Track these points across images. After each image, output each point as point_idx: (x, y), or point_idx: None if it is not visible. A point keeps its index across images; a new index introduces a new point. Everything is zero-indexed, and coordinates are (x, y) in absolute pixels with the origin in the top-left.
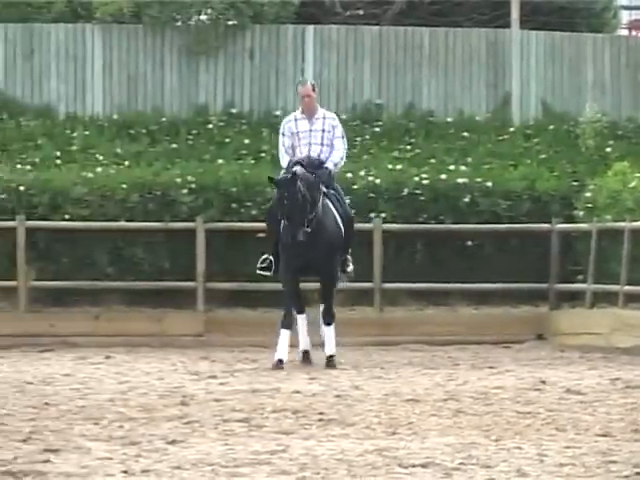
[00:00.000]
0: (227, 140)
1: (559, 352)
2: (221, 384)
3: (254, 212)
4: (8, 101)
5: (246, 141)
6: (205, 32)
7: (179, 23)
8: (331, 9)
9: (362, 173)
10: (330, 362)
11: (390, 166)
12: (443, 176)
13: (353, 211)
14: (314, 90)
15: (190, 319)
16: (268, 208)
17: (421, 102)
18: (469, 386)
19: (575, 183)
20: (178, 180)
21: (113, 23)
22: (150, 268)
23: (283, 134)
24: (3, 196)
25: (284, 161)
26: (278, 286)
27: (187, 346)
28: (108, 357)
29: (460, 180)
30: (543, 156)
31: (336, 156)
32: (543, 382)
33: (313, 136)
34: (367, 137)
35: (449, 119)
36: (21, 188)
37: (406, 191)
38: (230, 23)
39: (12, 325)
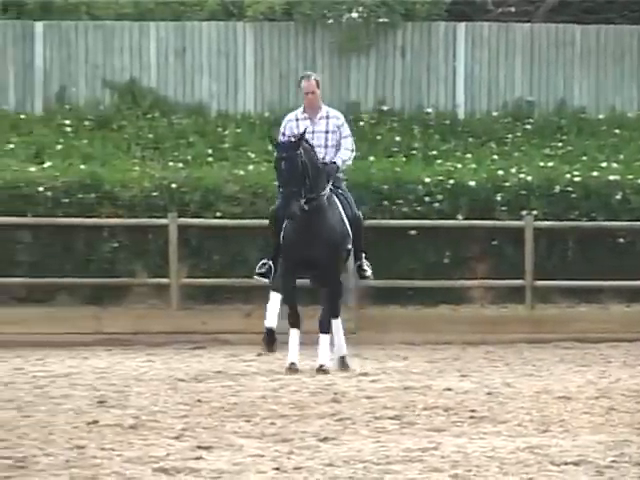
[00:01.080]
0: (378, 137)
1: None
2: (372, 381)
3: (405, 209)
4: (160, 99)
5: (397, 138)
6: (356, 30)
7: (330, 21)
8: (482, 6)
9: (513, 170)
10: (321, 371)
11: (542, 163)
12: (595, 173)
13: (361, 214)
14: (318, 86)
15: (342, 316)
16: (272, 209)
17: (572, 99)
18: (621, 384)
19: None
20: None
21: (264, 21)
22: None
23: (284, 134)
24: (155, 194)
25: None
26: (430, 284)
27: None
28: (260, 354)
29: (612, 177)
30: None
31: (344, 154)
32: None
33: (316, 138)
34: (518, 134)
35: (601, 116)
36: (173, 186)
37: (558, 188)
38: (381, 21)
39: (164, 322)
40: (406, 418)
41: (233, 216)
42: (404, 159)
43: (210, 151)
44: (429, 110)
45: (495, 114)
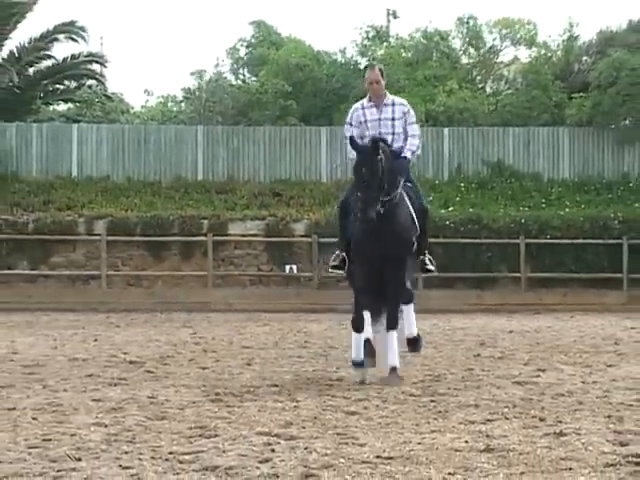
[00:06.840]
0: None
1: None
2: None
3: None
4: (514, 171)
5: None
6: (628, 132)
7: (612, 126)
8: None
9: None
10: (393, 374)
11: None
12: None
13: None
14: (382, 76)
15: None
16: (340, 201)
17: None
18: None
19: None
20: None
21: (575, 127)
22: None
23: (351, 124)
24: (512, 225)
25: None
26: None
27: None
28: (572, 317)
29: None
30: None
31: (413, 144)
32: None
33: (383, 125)
34: None
35: None
36: (522, 220)
37: None
38: None
39: (517, 298)
40: None
41: (555, 238)
42: None
43: (543, 200)
44: None
45: None
